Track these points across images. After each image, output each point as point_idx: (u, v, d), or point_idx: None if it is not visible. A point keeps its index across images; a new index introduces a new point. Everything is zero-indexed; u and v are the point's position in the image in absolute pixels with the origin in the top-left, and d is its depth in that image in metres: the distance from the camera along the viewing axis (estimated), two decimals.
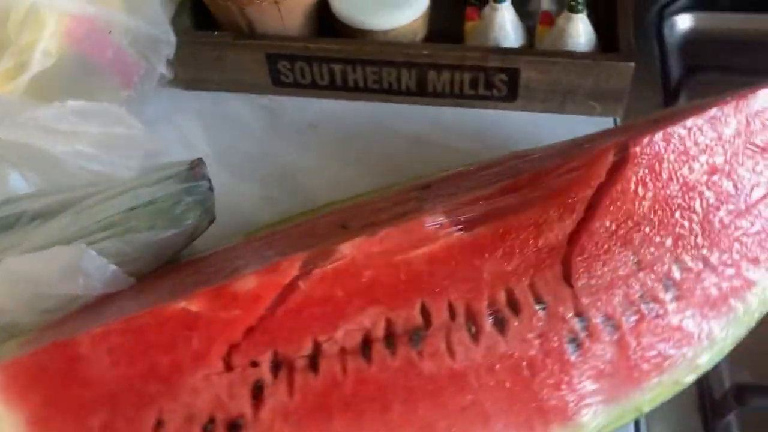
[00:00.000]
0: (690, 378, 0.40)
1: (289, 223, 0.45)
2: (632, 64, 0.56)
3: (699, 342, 0.40)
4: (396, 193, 0.46)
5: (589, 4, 0.57)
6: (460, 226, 0.39)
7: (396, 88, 0.61)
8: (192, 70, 0.64)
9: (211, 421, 0.36)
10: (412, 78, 0.60)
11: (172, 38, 0.60)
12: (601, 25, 0.61)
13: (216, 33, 0.61)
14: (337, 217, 0.44)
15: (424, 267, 0.39)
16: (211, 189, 0.48)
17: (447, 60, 0.58)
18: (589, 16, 0.58)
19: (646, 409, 0.39)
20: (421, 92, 0.61)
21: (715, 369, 0.43)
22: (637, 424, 0.47)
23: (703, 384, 0.49)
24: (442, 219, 0.39)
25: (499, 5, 0.58)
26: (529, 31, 0.62)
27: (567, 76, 0.57)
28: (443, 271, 0.39)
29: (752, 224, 0.42)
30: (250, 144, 0.61)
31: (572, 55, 0.57)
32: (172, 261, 0.48)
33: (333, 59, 0.60)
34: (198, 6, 0.63)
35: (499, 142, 0.60)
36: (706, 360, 0.40)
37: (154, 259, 0.46)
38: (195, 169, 0.48)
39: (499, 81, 0.59)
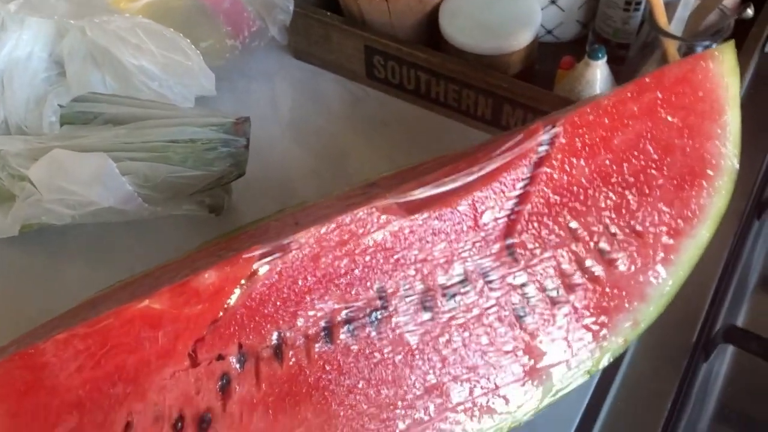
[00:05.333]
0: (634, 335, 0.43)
1: (244, 230, 0.47)
2: None
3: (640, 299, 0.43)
4: (344, 193, 0.48)
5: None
6: (407, 210, 0.41)
7: (473, 112, 0.62)
8: (303, 42, 0.68)
9: (181, 417, 0.36)
10: (488, 107, 0.61)
11: (290, 7, 0.65)
12: None
13: (328, 13, 0.65)
14: (289, 217, 0.45)
15: (377, 251, 0.40)
16: (246, 147, 0.52)
17: (522, 99, 0.58)
18: None
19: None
20: (496, 123, 0.61)
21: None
22: (622, 356, 0.49)
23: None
24: (389, 204, 0.40)
25: (592, 61, 0.57)
26: None
27: None
28: (395, 253, 0.40)
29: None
30: (325, 121, 0.65)
31: None
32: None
33: (420, 67, 0.62)
34: None
35: None
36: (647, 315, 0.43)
37: (172, 191, 0.50)
38: (239, 125, 0.52)
39: None
